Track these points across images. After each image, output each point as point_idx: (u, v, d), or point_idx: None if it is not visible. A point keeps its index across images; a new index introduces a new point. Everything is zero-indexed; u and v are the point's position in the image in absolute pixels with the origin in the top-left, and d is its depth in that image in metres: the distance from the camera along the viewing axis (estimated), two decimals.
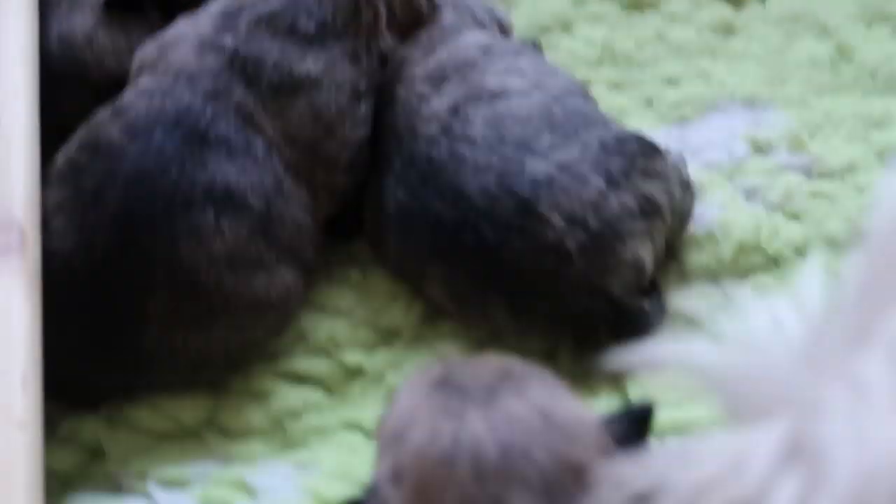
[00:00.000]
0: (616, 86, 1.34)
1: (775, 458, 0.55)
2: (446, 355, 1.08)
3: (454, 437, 0.69)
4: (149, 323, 1.00)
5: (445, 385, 0.73)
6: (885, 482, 0.51)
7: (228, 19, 1.11)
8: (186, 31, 1.12)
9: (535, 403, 0.72)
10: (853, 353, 0.56)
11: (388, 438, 0.73)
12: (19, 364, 0.86)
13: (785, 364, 0.60)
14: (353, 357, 1.09)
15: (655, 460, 0.61)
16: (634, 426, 0.75)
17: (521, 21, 1.37)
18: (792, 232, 1.18)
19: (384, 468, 0.72)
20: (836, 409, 0.54)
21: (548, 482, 0.69)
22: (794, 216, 1.20)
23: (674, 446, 0.65)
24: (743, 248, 1.16)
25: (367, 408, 1.04)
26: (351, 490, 0.92)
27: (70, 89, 1.16)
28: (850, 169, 1.24)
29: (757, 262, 1.16)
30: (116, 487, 0.99)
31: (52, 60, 1.14)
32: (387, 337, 1.12)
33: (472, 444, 0.69)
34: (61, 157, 1.05)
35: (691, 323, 1.07)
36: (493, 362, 0.78)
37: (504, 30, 1.29)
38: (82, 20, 1.20)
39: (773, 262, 1.17)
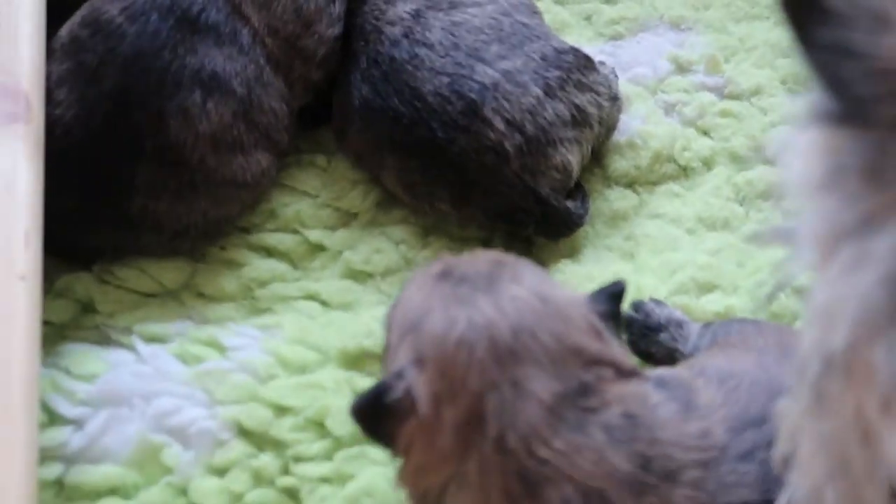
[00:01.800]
0: (559, 1, 1.34)
1: None
2: (399, 242, 1.12)
3: (469, 321, 0.70)
4: (136, 191, 1.03)
5: (449, 277, 0.74)
6: None
7: None
8: None
9: (531, 288, 0.73)
10: None
11: (404, 328, 0.73)
12: (22, 222, 0.87)
13: None
14: (315, 234, 1.12)
15: None
16: (612, 302, 0.77)
17: None
18: (701, 146, 1.22)
19: (405, 355, 0.71)
20: None
21: (554, 360, 0.70)
22: (705, 132, 1.23)
23: None
24: (658, 158, 1.20)
25: (326, 280, 1.09)
26: (306, 354, 1.00)
27: None
28: (756, 92, 1.27)
29: (670, 171, 1.20)
30: (104, 339, 1.01)
31: None
32: (345, 218, 1.14)
33: (486, 326, 0.70)
34: (65, 31, 1.05)
35: (614, 223, 1.14)
36: (484, 255, 0.79)
37: None
38: None
39: (684, 172, 1.20)
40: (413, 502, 0.74)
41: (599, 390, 0.71)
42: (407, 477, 0.72)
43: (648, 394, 0.73)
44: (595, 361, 0.72)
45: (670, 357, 0.99)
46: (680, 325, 1.01)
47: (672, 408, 0.73)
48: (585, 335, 0.72)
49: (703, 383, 0.77)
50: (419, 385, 0.69)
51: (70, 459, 0.92)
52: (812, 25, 0.44)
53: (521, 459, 0.68)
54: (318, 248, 1.12)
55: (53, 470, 0.91)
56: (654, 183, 1.20)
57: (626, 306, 1.00)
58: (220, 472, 0.93)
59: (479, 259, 0.77)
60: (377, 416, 0.71)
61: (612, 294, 0.78)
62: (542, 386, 0.69)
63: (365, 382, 0.98)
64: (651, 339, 1.02)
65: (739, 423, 0.74)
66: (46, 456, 0.91)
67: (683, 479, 0.70)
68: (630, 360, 0.78)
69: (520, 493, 0.68)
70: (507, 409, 0.68)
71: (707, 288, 1.08)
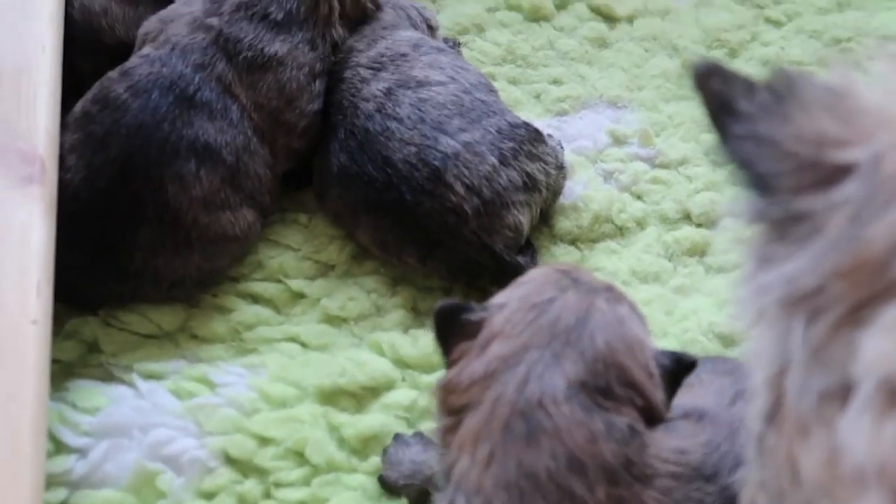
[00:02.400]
0: (513, 81, 1.34)
1: None
2: (370, 291, 1.12)
3: (553, 299, 0.75)
4: (137, 247, 1.02)
5: (573, 277, 0.78)
6: None
7: (215, 4, 1.11)
8: (182, 11, 1.12)
9: (618, 312, 0.76)
10: None
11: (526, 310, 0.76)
12: (35, 272, 0.87)
13: None
14: (296, 284, 1.11)
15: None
16: (675, 364, 0.77)
17: (445, 21, 1.37)
18: (635, 209, 1.21)
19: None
20: None
21: (595, 361, 0.72)
22: (638, 196, 1.23)
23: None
24: (598, 219, 1.19)
25: (305, 324, 1.08)
26: (286, 390, 0.99)
27: (87, 51, 1.14)
28: (683, 162, 1.27)
29: (607, 231, 1.20)
30: (108, 376, 1.01)
31: (74, 26, 1.12)
32: (323, 269, 1.14)
33: (562, 308, 0.74)
34: (77, 107, 1.05)
35: None
36: (601, 280, 0.82)
37: (432, 29, 1.29)
38: None
39: (620, 232, 1.20)
40: (439, 414, 0.76)
41: (619, 403, 0.72)
42: (441, 390, 0.75)
43: None
44: (632, 385, 0.73)
45: None
46: None
47: (660, 428, 0.75)
48: (637, 367, 0.74)
49: (683, 413, 0.80)
50: (491, 319, 0.74)
51: (74, 485, 0.92)
52: (728, 122, 0.49)
53: (531, 405, 0.70)
54: (299, 296, 1.11)
55: (59, 494, 0.91)
56: (594, 241, 1.19)
57: None
58: (209, 496, 0.93)
59: (597, 278, 0.82)
60: (451, 323, 0.76)
61: (679, 360, 0.78)
62: (573, 368, 0.72)
63: (340, 417, 0.98)
64: None
65: (710, 449, 0.75)
66: (52, 482, 0.90)
67: (656, 485, 0.72)
68: (666, 414, 0.78)
69: (518, 432, 0.70)
70: (539, 367, 0.72)
71: None
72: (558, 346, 0.73)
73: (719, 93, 0.50)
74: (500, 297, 0.78)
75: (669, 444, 0.74)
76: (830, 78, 0.50)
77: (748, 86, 0.50)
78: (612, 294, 0.78)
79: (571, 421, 0.70)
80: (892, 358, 0.41)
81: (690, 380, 0.89)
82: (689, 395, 0.86)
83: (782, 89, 0.49)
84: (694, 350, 1.05)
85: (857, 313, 0.44)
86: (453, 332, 0.76)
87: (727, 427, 0.78)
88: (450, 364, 0.76)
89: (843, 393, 0.44)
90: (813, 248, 0.47)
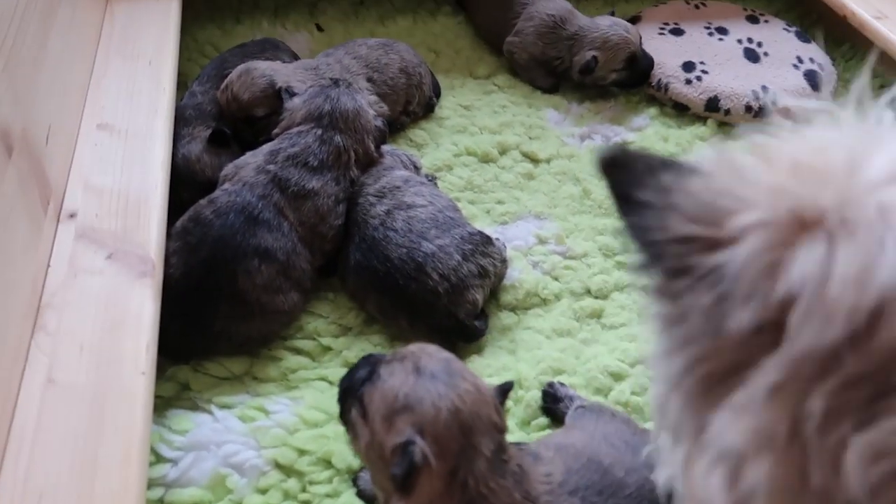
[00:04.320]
0: (472, 202, 1.34)
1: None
2: (377, 345, 1.09)
3: (447, 409, 0.65)
4: (217, 319, 1.01)
5: (421, 372, 0.68)
6: None
7: (272, 156, 1.12)
8: (249, 161, 1.13)
9: (471, 381, 0.69)
10: None
11: (394, 409, 0.66)
12: (145, 338, 0.85)
13: None
14: (326, 340, 1.10)
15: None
16: (502, 395, 0.73)
17: (426, 163, 1.37)
18: (553, 287, 1.21)
19: (402, 427, 0.65)
20: None
21: (488, 430, 0.67)
22: (555, 278, 1.23)
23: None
24: (528, 294, 1.19)
25: (332, 368, 1.05)
26: (319, 415, 0.96)
27: (186, 185, 1.15)
28: (584, 255, 1.26)
29: (535, 302, 1.19)
30: (194, 406, 0.99)
31: (176, 169, 1.13)
32: (344, 330, 1.12)
33: (456, 411, 0.66)
34: (179, 224, 1.05)
35: (503, 333, 1.14)
36: (433, 351, 0.72)
37: (417, 168, 1.29)
38: (196, 147, 1.20)
39: (543, 302, 1.19)
40: None
41: (505, 449, 0.69)
42: None
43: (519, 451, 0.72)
44: (501, 430, 0.70)
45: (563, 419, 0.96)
46: (571, 399, 0.98)
47: (529, 460, 0.72)
48: (495, 413, 0.70)
49: (545, 449, 0.76)
50: (427, 447, 0.64)
51: (168, 485, 0.90)
52: (631, 210, 0.40)
53: (472, 494, 0.66)
54: (328, 349, 1.09)
55: (157, 493, 0.89)
56: (527, 309, 1.18)
57: (538, 385, 1.02)
58: (263, 491, 0.91)
59: (433, 356, 0.70)
60: (410, 473, 0.64)
61: (504, 390, 0.74)
62: (486, 447, 0.67)
63: None
64: (557, 407, 0.99)
65: (569, 471, 0.73)
66: (152, 483, 0.88)
67: (541, 501, 0.69)
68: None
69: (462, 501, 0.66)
70: (470, 462, 0.66)
71: (558, 372, 1.06)
72: (471, 439, 0.66)
73: (618, 182, 0.41)
74: (402, 425, 0.66)
75: (540, 471, 0.72)
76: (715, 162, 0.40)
77: (648, 168, 0.41)
78: (453, 363, 0.71)
79: (498, 489, 0.67)
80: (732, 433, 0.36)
81: (571, 422, 0.89)
82: (563, 434, 0.85)
83: (670, 181, 0.40)
84: (595, 383, 1.05)
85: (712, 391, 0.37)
86: (411, 476, 0.65)
87: (585, 457, 0.75)
88: (416, 494, 0.66)
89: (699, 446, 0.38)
90: (680, 332, 0.39)
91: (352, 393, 0.72)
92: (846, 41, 1.73)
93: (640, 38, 1.56)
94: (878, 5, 1.60)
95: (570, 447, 0.76)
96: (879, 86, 0.73)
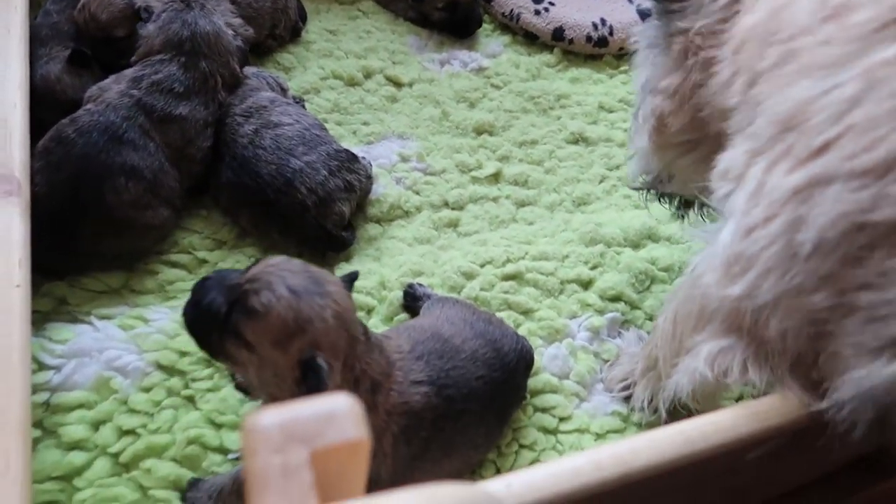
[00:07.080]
0: (339, 123, 1.37)
1: None
2: (250, 256, 1.12)
3: (332, 316, 0.66)
4: (86, 235, 1.01)
5: (296, 292, 0.66)
6: None
7: (136, 82, 1.09)
8: (112, 85, 1.10)
9: (332, 280, 0.69)
10: None
11: (288, 332, 0.65)
12: (16, 253, 0.85)
13: None
14: (201, 254, 1.12)
15: None
16: (349, 283, 0.75)
17: (294, 86, 1.37)
18: (415, 200, 1.27)
19: (302, 346, 0.65)
20: None
21: (355, 319, 0.69)
22: (416, 192, 1.29)
23: None
24: (392, 207, 1.25)
25: None
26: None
27: (47, 106, 1.11)
28: (442, 171, 1.33)
29: (398, 214, 1.25)
30: (73, 319, 0.99)
31: (36, 89, 1.09)
32: (219, 244, 1.15)
33: (339, 315, 0.66)
34: (41, 143, 1.02)
35: (370, 242, 1.21)
36: (293, 264, 0.69)
37: (284, 91, 1.29)
38: (55, 67, 1.15)
39: (406, 214, 1.26)
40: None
41: (366, 329, 0.74)
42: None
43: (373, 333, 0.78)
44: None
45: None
46: (428, 297, 1.03)
47: (380, 337, 0.79)
48: (351, 300, 0.72)
49: (396, 333, 0.83)
50: (325, 358, 0.65)
51: (53, 389, 0.91)
52: None
53: (357, 373, 0.69)
54: (203, 262, 1.11)
55: (42, 396, 0.90)
56: (391, 220, 1.23)
57: (399, 286, 1.07)
58: (147, 390, 0.94)
59: (296, 272, 0.68)
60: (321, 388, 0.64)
61: (351, 279, 0.77)
62: (358, 331, 0.70)
63: None
64: (416, 304, 1.04)
65: (415, 343, 0.81)
66: (37, 388, 0.90)
67: (397, 366, 0.77)
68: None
69: (353, 380, 0.70)
70: (353, 349, 0.69)
71: (417, 274, 1.12)
72: (350, 330, 0.68)
73: None
74: (300, 345, 0.65)
75: (392, 345, 0.79)
76: None
77: None
78: (315, 272, 0.70)
79: (372, 363, 0.71)
80: None
81: (423, 312, 0.95)
82: (413, 321, 0.91)
83: None
84: (449, 282, 1.11)
85: None
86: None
87: (429, 332, 0.82)
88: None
89: None
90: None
91: (215, 326, 0.67)
92: None
93: None
94: None
95: (418, 326, 0.85)
96: None
